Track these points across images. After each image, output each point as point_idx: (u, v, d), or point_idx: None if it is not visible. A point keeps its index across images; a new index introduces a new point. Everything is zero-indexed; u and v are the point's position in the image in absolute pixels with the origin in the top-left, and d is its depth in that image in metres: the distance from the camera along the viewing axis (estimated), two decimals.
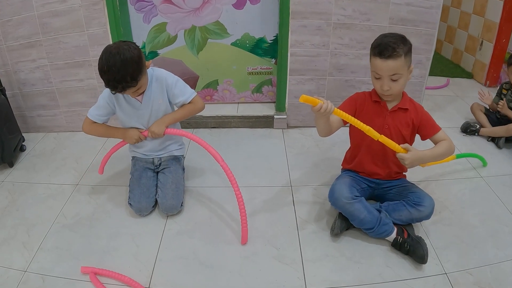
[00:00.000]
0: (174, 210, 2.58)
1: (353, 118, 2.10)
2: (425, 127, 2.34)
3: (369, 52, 3.11)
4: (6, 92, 3.36)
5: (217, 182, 2.91)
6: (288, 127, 3.69)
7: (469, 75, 4.91)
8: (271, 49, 3.62)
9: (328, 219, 2.52)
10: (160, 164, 2.74)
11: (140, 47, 2.33)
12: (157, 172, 2.77)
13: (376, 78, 2.25)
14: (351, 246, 2.34)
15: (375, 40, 2.24)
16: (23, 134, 3.50)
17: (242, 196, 2.32)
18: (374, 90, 2.36)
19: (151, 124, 2.56)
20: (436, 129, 2.33)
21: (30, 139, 3.63)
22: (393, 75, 2.17)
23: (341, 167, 2.71)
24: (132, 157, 2.82)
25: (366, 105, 2.38)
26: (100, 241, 2.44)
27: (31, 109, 3.68)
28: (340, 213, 2.43)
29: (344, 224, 2.38)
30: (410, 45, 2.19)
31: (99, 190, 2.92)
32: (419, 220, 2.38)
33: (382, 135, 2.14)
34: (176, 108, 2.66)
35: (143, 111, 2.52)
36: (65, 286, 2.14)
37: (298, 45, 3.31)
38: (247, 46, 3.61)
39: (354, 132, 2.41)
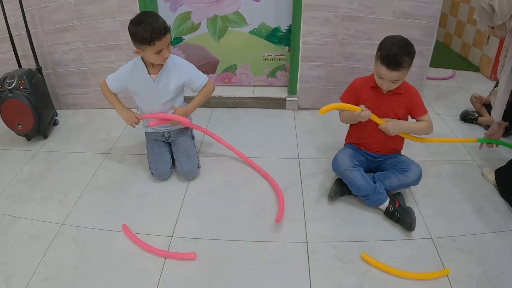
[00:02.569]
0: (192, 173, 2.94)
1: (378, 118, 2.60)
2: (415, 109, 2.67)
3: (373, 42, 3.51)
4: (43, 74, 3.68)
5: (231, 152, 3.20)
6: (299, 108, 3.99)
7: (475, 69, 5.08)
8: (285, 37, 3.91)
9: (329, 187, 2.80)
10: (169, 136, 3.05)
11: None
12: (169, 144, 3.10)
13: (379, 77, 2.52)
14: (347, 211, 2.66)
15: (383, 45, 2.45)
16: (56, 111, 3.83)
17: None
18: (372, 76, 2.64)
19: (161, 103, 2.87)
20: (423, 112, 2.68)
21: (62, 115, 3.96)
22: (395, 80, 2.46)
23: (344, 142, 3.00)
24: (145, 132, 3.12)
25: (364, 91, 2.68)
26: (129, 200, 2.79)
27: (64, 88, 4.02)
28: (336, 180, 2.79)
29: (339, 189, 2.73)
30: (414, 52, 2.42)
31: (128, 158, 3.25)
32: (408, 185, 2.68)
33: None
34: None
35: (154, 90, 2.80)
36: (99, 235, 2.48)
37: (309, 35, 3.61)
38: (263, 35, 3.92)
39: None
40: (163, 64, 2.75)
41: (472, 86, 4.60)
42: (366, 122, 2.62)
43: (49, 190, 2.91)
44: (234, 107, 4.06)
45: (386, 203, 2.59)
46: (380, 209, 2.63)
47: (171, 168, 3.00)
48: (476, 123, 3.77)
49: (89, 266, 2.28)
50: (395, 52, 2.36)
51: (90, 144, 3.47)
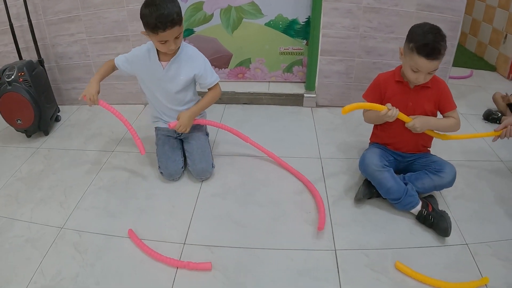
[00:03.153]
0: (205, 173, 2.67)
1: (404, 115, 2.33)
2: (444, 104, 2.43)
3: (396, 36, 3.27)
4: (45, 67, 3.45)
5: (248, 151, 2.98)
6: (317, 105, 3.74)
7: (492, 68, 4.85)
8: (303, 30, 3.66)
9: (355, 189, 2.58)
10: (182, 132, 2.76)
11: None
12: (181, 140, 2.86)
13: (414, 71, 2.26)
14: (376, 214, 2.41)
15: (414, 35, 2.24)
16: (58, 106, 3.60)
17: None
18: (397, 70, 2.42)
19: (170, 94, 2.64)
20: (452, 107, 2.43)
21: (65, 111, 3.72)
22: (432, 70, 2.23)
23: (369, 141, 2.75)
24: (155, 127, 2.89)
25: (389, 86, 2.44)
26: (136, 202, 2.53)
27: (67, 82, 3.76)
28: (364, 181, 2.52)
29: (367, 190, 2.46)
30: (446, 37, 2.22)
31: (135, 156, 3.00)
32: (441, 187, 2.42)
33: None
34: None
35: (163, 79, 2.58)
36: (102, 241, 2.23)
37: (329, 27, 3.35)
38: (280, 27, 3.66)
39: None
40: (176, 52, 2.52)
41: (490, 85, 4.38)
42: (393, 121, 2.37)
43: (48, 190, 2.66)
44: (249, 104, 3.80)
45: (419, 207, 2.32)
46: (411, 213, 2.37)
47: (182, 167, 2.74)
48: (500, 123, 3.42)
49: (91, 276, 2.03)
50: (432, 40, 2.16)
51: (94, 141, 3.23)
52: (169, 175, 2.68)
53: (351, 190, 2.61)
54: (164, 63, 2.54)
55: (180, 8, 2.32)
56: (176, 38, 2.36)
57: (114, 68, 2.69)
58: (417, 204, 2.33)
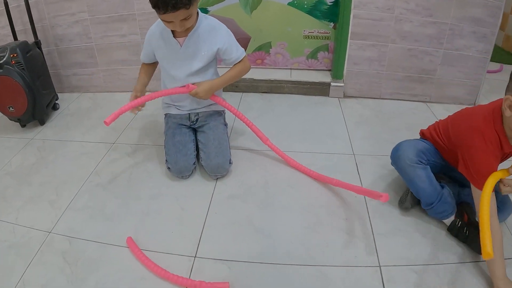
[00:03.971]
0: (221, 169, 2.33)
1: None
2: None
3: (434, 20, 2.94)
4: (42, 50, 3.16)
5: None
6: (345, 96, 3.37)
7: None
8: (330, 12, 3.29)
9: (396, 191, 2.23)
10: (197, 120, 2.48)
11: None
12: (195, 130, 2.53)
13: None
14: (425, 222, 2.05)
15: None
16: (57, 94, 3.31)
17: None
18: (503, 138, 1.74)
19: (189, 72, 2.30)
20: None
21: (64, 99, 3.43)
22: None
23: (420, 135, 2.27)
24: (165, 114, 2.59)
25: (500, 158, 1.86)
26: (139, 202, 2.21)
27: (67, 68, 3.46)
28: None
29: (416, 198, 2.07)
30: None
31: (140, 149, 2.71)
32: None
33: None
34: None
35: (181, 57, 2.27)
36: (96, 250, 1.91)
37: (361, 7, 2.99)
38: (305, 7, 3.29)
39: None
40: (192, 26, 2.20)
41: None
42: None
43: (39, 186, 2.35)
44: (269, 92, 3.44)
45: (453, 217, 1.97)
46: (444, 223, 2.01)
47: (194, 163, 2.39)
48: None
49: None
50: None
51: (94, 132, 2.91)
52: (178, 171, 2.35)
53: (392, 192, 2.24)
54: (180, 39, 2.23)
55: None
56: (184, 20, 2.05)
57: (148, 68, 2.46)
58: (452, 214, 1.97)
